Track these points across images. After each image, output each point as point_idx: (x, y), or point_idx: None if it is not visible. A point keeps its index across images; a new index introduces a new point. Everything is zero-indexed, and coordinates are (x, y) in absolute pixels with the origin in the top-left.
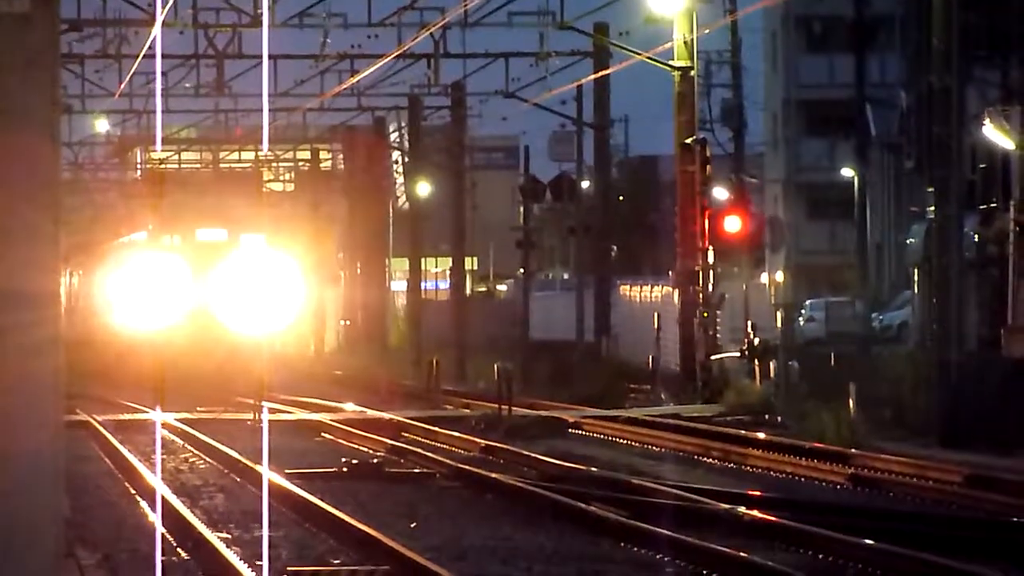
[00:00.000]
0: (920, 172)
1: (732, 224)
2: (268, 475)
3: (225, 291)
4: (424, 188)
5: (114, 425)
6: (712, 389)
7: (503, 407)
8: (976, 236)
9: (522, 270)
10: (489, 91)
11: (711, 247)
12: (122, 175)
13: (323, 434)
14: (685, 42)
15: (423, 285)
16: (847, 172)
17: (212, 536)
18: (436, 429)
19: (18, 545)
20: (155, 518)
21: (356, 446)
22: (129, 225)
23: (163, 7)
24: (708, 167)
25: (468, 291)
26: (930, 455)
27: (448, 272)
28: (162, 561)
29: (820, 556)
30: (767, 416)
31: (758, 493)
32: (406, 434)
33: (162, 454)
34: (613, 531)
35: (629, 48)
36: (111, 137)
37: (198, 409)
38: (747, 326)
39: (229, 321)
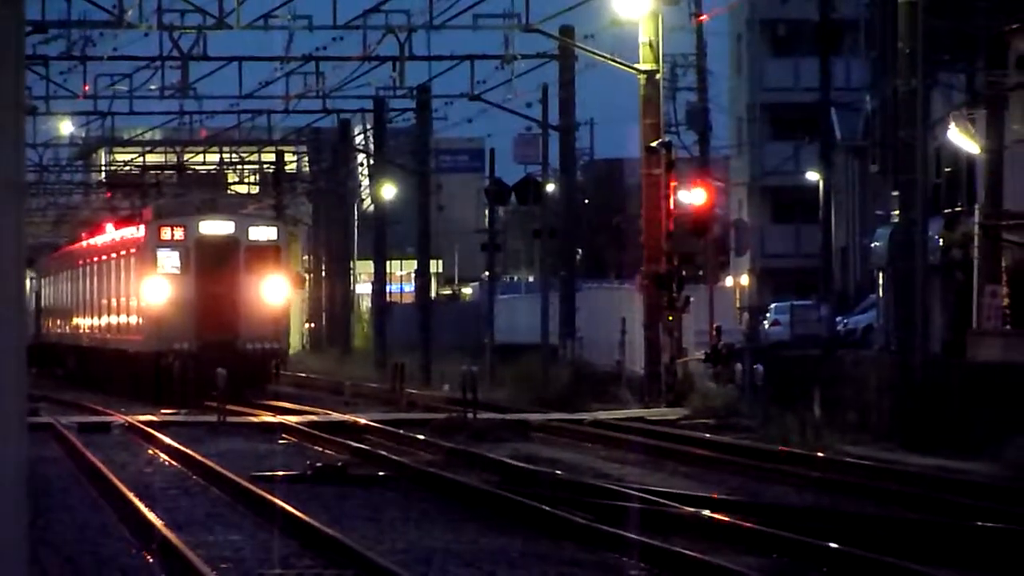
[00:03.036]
0: (885, 176)
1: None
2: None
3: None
4: (389, 190)
5: (77, 428)
6: (677, 392)
7: (468, 410)
8: (941, 240)
9: (487, 273)
10: (454, 93)
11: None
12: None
13: (287, 437)
14: (650, 45)
15: (388, 287)
16: (812, 175)
17: (176, 539)
18: (401, 432)
19: None
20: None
21: (321, 449)
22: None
23: (128, 9)
24: (673, 170)
25: (433, 294)
26: (894, 458)
27: (413, 274)
28: (126, 563)
29: (785, 559)
30: (732, 419)
31: (723, 496)
32: (371, 437)
33: (126, 456)
34: (578, 534)
35: (595, 51)
36: (76, 139)
37: (162, 411)
38: (712, 329)
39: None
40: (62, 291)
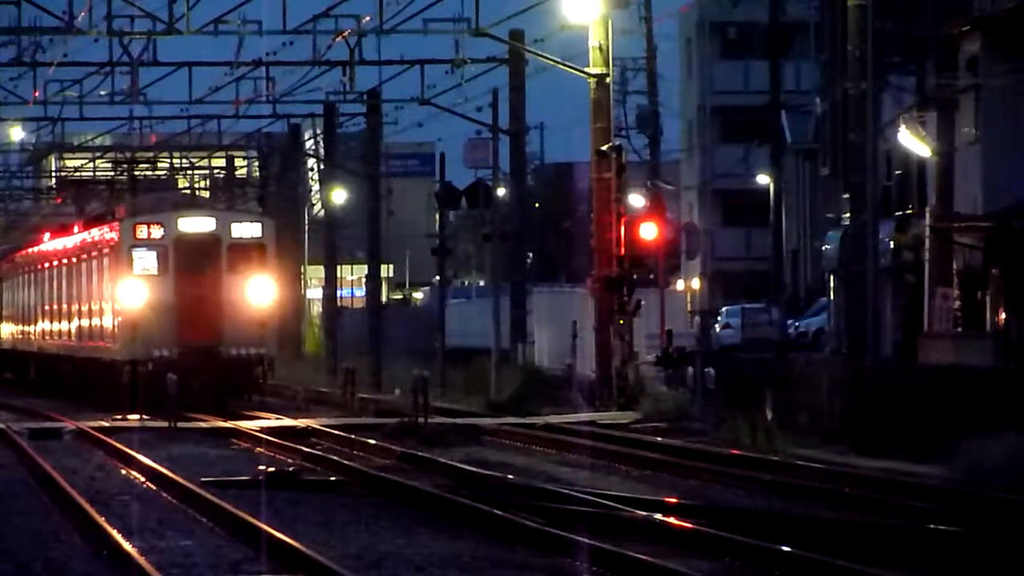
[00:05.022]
0: (836, 178)
1: (648, 231)
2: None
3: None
4: (340, 195)
5: (28, 433)
6: (628, 396)
7: (419, 415)
8: (892, 242)
9: (438, 277)
10: (405, 98)
11: (627, 254)
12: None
13: (239, 442)
14: (600, 49)
15: (339, 292)
16: (762, 178)
17: (128, 544)
18: (352, 437)
19: None
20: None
21: (272, 454)
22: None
23: (78, 15)
24: (623, 174)
25: (384, 298)
26: (846, 461)
27: (364, 279)
28: (78, 569)
29: (737, 563)
30: (683, 423)
31: (674, 500)
32: (322, 442)
33: (77, 462)
34: (530, 538)
35: (545, 55)
36: (26, 145)
37: (114, 418)
38: (663, 333)
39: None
40: (22, 296)
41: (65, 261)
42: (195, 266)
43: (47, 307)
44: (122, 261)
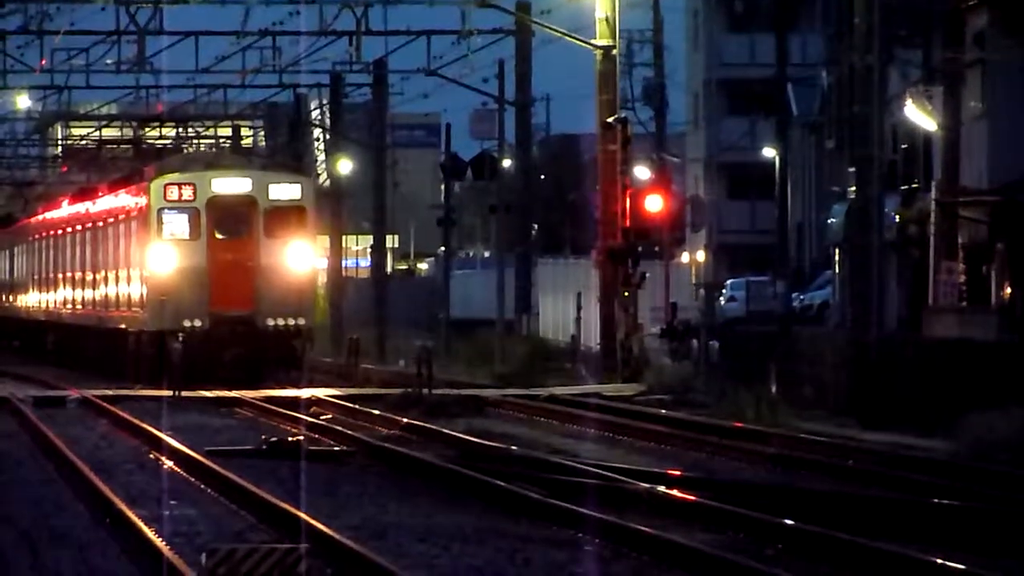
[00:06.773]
0: (841, 152)
1: (654, 203)
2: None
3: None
4: (345, 165)
5: (32, 401)
6: (633, 368)
7: (423, 386)
8: (897, 216)
9: (443, 248)
10: (411, 69)
11: (632, 226)
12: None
13: (243, 411)
14: (607, 21)
15: (344, 262)
16: (768, 152)
17: (131, 513)
18: (356, 407)
19: None
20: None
21: (276, 424)
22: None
23: None
24: (629, 146)
25: (389, 269)
26: (850, 435)
27: (369, 250)
28: (80, 537)
29: (740, 535)
30: (688, 395)
31: (678, 472)
32: (326, 412)
33: (81, 430)
34: (533, 510)
35: (551, 26)
36: (32, 113)
37: (117, 387)
38: (668, 305)
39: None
40: (42, 262)
41: (89, 225)
42: (229, 230)
43: (67, 274)
44: (150, 225)
